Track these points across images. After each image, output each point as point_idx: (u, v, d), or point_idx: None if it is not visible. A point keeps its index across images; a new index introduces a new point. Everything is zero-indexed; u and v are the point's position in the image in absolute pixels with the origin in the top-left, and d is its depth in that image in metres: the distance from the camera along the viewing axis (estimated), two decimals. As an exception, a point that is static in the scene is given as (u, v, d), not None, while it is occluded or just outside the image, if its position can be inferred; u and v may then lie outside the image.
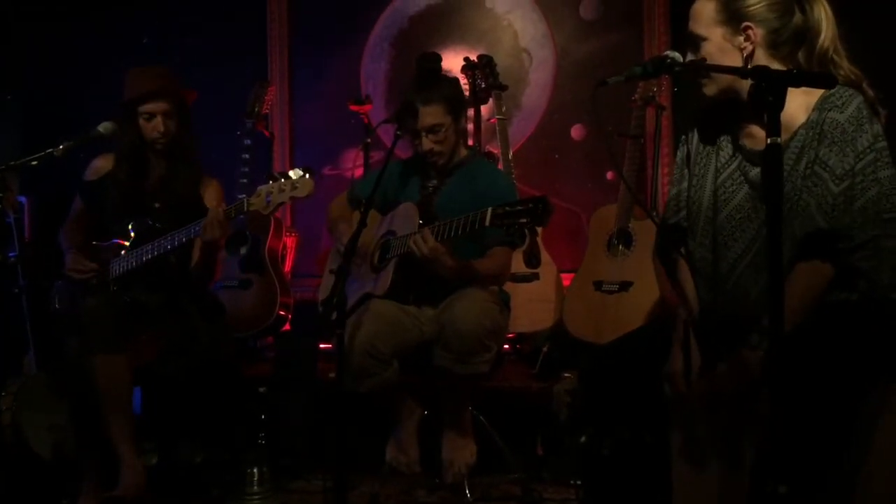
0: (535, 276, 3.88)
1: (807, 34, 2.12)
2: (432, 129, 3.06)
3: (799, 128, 2.08)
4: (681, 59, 2.13)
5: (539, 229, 3.90)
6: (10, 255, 3.63)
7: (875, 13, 3.73)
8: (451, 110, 3.10)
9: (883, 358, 2.05)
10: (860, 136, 2.03)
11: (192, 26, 4.82)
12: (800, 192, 2.06)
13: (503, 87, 4.11)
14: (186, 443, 3.36)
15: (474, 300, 2.87)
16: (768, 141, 1.73)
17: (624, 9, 4.49)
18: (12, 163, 3.12)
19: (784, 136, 1.97)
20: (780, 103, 1.74)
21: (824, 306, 2.06)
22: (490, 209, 2.64)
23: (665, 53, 2.14)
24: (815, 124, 2.07)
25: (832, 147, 2.04)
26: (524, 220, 2.59)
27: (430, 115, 3.05)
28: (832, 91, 2.06)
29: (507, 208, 2.61)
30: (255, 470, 3.18)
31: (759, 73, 1.79)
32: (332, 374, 2.77)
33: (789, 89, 1.75)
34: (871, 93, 2.09)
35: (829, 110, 2.06)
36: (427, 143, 3.07)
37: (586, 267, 3.78)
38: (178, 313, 3.11)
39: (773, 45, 2.12)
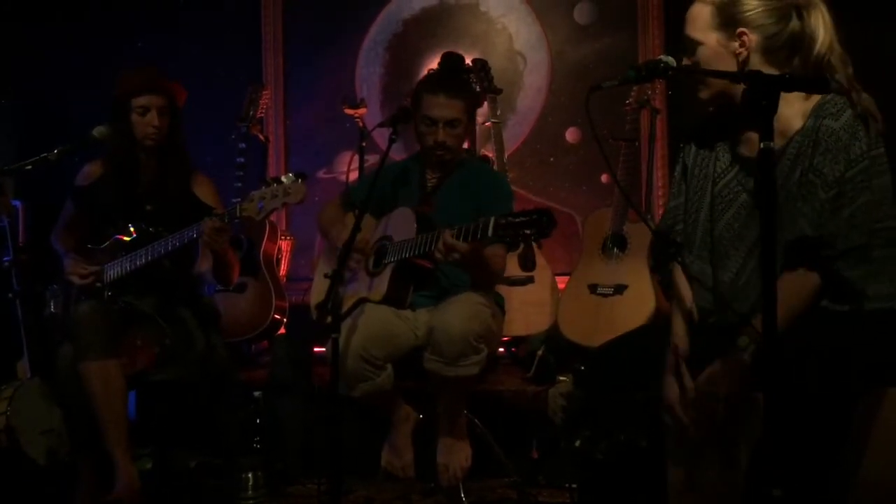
0: (530, 280, 3.87)
1: (803, 40, 2.09)
2: (451, 123, 3.04)
3: (795, 134, 2.07)
4: (675, 64, 2.14)
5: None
6: (5, 259, 3.62)
7: (877, 17, 3.75)
8: (469, 110, 3.11)
9: (875, 363, 2.06)
10: (854, 144, 2.01)
11: (186, 30, 4.82)
12: (795, 200, 2.05)
13: (498, 91, 4.11)
14: (181, 448, 3.35)
15: (465, 304, 2.86)
16: (761, 145, 1.73)
17: (618, 12, 4.50)
18: (7, 167, 3.12)
19: (780, 142, 1.97)
20: (773, 107, 1.74)
21: (817, 313, 2.06)
22: (493, 219, 2.57)
23: (659, 57, 2.14)
24: (811, 131, 2.05)
25: (826, 155, 2.02)
26: (527, 232, 2.50)
27: (453, 107, 3.03)
28: (828, 98, 2.04)
29: (511, 219, 2.53)
30: (249, 475, 3.18)
31: (752, 77, 1.79)
32: (327, 378, 2.77)
33: (788, 95, 1.74)
34: (865, 100, 2.07)
35: (825, 118, 2.03)
36: (442, 135, 3.04)
37: (581, 270, 3.78)
38: (173, 318, 3.11)
39: (769, 51, 2.10)
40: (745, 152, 2.18)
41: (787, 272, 2.04)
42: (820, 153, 2.02)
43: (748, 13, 2.09)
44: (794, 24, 2.09)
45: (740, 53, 2.11)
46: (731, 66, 2.12)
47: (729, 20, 2.10)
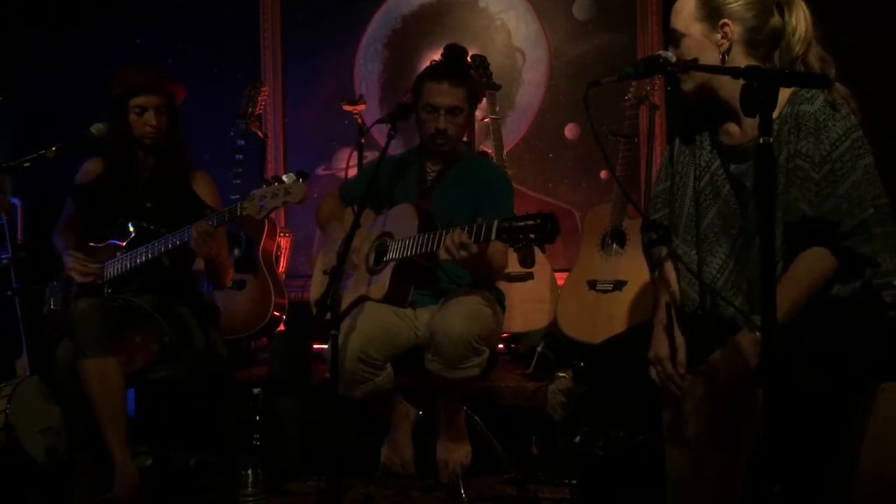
0: (530, 276, 3.87)
1: (784, 36, 2.16)
2: (452, 110, 3.03)
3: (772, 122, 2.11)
4: (673, 59, 2.16)
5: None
6: (3, 257, 3.62)
7: (870, 16, 3.74)
8: (471, 99, 3.10)
9: (877, 355, 2.06)
10: (834, 124, 2.07)
11: (184, 28, 4.82)
12: (782, 185, 2.09)
13: (497, 87, 4.11)
14: (180, 445, 3.35)
15: (466, 305, 2.84)
16: (760, 141, 1.76)
17: (617, 9, 4.50)
18: (5, 164, 3.11)
19: (756, 131, 1.99)
20: (773, 103, 1.77)
21: (825, 302, 2.07)
22: (496, 222, 2.52)
23: (658, 53, 2.17)
24: (789, 118, 2.12)
25: (808, 137, 2.08)
26: (531, 237, 2.44)
27: (456, 95, 3.03)
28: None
29: (514, 223, 2.47)
30: (248, 472, 3.17)
31: (752, 72, 1.81)
32: (326, 375, 2.76)
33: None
34: (838, 90, 2.12)
35: (801, 104, 2.11)
36: (443, 122, 3.03)
37: (580, 266, 3.78)
38: (172, 316, 3.10)
39: (751, 44, 2.16)
40: (725, 141, 2.22)
41: (803, 254, 2.07)
42: (803, 137, 2.09)
43: (731, 5, 2.15)
44: (776, 19, 2.16)
45: (722, 44, 2.16)
46: (714, 57, 2.17)
47: (712, 12, 2.16)
